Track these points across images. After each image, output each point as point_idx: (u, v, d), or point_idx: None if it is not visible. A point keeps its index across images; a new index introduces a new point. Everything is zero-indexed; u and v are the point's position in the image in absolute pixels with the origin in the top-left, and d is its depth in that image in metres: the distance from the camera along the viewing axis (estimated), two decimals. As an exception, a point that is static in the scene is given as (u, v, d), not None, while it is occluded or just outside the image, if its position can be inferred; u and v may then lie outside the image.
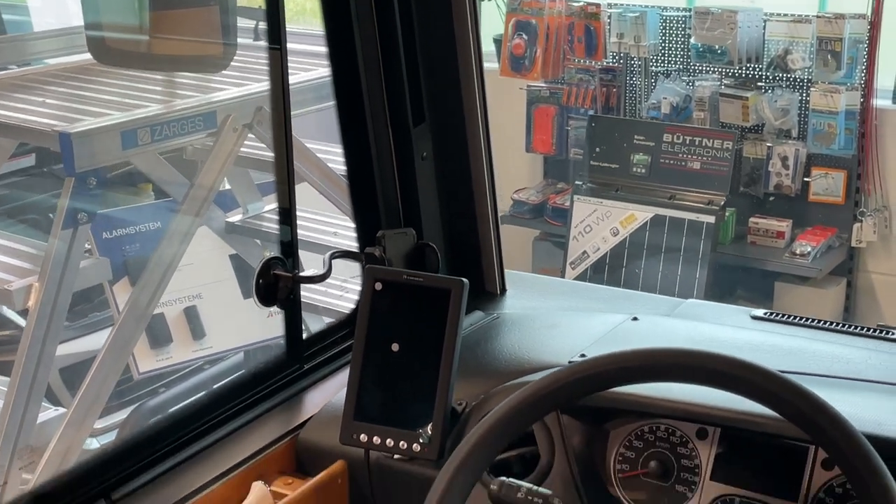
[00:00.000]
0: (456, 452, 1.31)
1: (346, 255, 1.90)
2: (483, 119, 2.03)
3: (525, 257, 5.12)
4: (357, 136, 1.94)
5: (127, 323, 3.26)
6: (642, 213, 4.69)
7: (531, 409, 1.33)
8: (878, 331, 1.91)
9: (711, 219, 4.58)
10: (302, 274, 1.85)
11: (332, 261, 1.82)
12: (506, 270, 2.22)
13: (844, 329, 1.92)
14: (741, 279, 4.67)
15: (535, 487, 1.40)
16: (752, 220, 4.75)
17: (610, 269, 4.73)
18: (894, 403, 1.56)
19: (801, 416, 1.23)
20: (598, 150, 4.82)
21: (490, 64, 5.18)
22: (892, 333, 1.89)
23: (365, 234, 1.98)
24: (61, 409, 3.35)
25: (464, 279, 1.63)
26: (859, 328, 1.92)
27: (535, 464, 1.61)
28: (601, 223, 4.76)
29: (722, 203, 4.61)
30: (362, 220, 2.00)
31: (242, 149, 3.41)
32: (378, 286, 1.64)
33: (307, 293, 2.69)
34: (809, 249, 4.56)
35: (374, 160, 1.95)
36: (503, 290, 2.19)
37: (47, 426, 3.20)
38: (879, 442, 1.22)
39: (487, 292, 2.18)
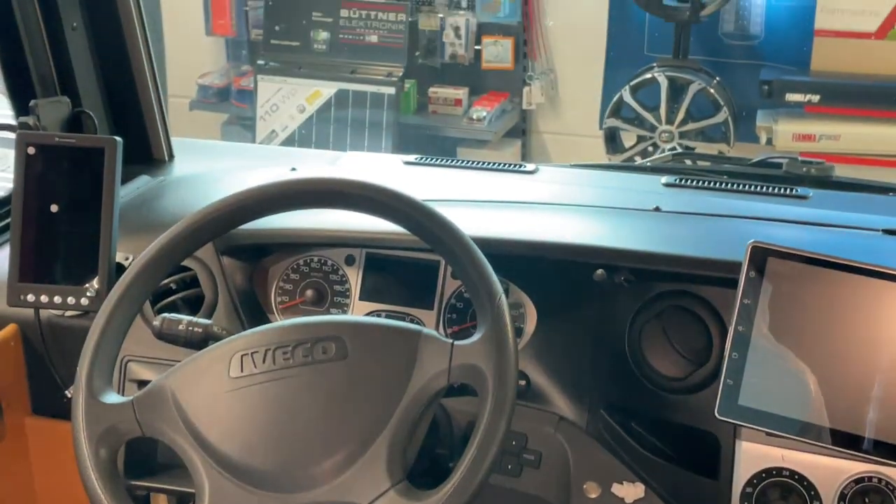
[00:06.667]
0: (113, 290, 1.39)
1: (-1, 127, 1.92)
2: (132, -13, 2.07)
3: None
4: (1, 9, 1.94)
5: None
6: (326, 89, 4.80)
7: (180, 244, 1.42)
8: (509, 165, 2.11)
9: (392, 90, 4.75)
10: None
11: (-15, 134, 1.84)
12: (173, 138, 2.28)
13: (483, 166, 2.11)
14: (425, 146, 4.87)
15: (196, 319, 1.50)
16: (431, 90, 4.95)
17: (300, 145, 4.84)
18: (508, 215, 1.76)
19: (419, 226, 1.38)
20: (277, 28, 4.88)
21: (162, -53, 5.13)
22: (523, 167, 2.10)
23: (20, 106, 2.00)
24: None
25: (116, 137, 1.69)
26: (495, 164, 2.11)
27: (202, 305, 1.72)
28: (287, 101, 4.84)
29: (400, 74, 4.78)
30: (15, 92, 2.01)
31: None
32: (31, 150, 1.68)
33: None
34: (485, 114, 4.81)
35: (22, 32, 1.96)
36: (171, 156, 2.26)
37: None
38: (486, 243, 1.38)
39: (155, 159, 2.24)
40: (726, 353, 1.36)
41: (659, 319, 1.55)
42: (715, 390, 1.37)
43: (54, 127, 1.91)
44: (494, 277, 1.34)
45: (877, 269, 1.34)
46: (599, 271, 1.54)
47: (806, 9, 4.49)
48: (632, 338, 1.57)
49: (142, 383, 1.67)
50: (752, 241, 1.37)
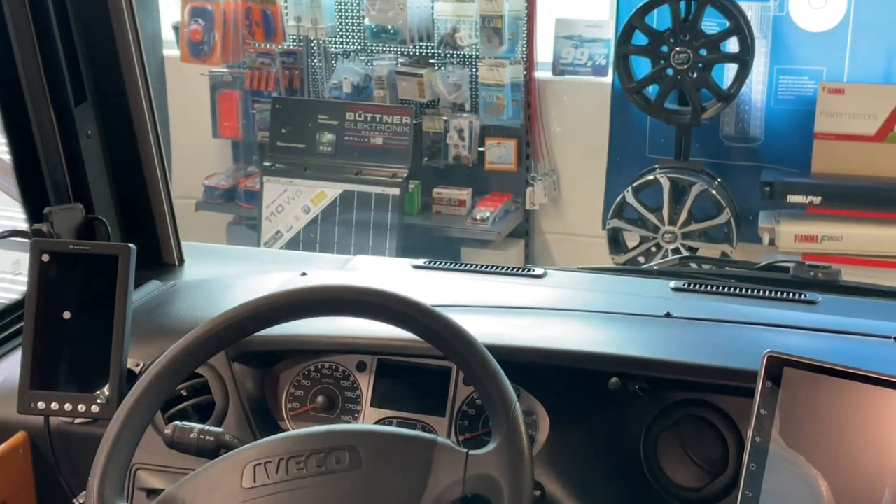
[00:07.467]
0: (126, 400, 1.38)
1: (13, 233, 1.93)
2: (146, 95, 2.10)
3: (220, 242, 5.17)
4: (18, 117, 1.97)
5: None
6: (331, 190, 4.84)
7: (193, 353, 1.42)
8: (519, 269, 2.12)
9: (396, 191, 4.79)
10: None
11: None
12: (184, 242, 2.30)
13: (492, 270, 2.12)
14: (429, 247, 4.89)
15: (207, 427, 1.50)
16: (435, 190, 4.99)
17: (304, 246, 4.86)
18: (518, 321, 1.77)
19: (431, 333, 1.38)
20: (283, 131, 4.93)
21: (171, 51, 5.20)
22: (532, 271, 2.10)
23: (34, 212, 2.01)
24: None
25: (130, 245, 1.70)
26: (504, 268, 2.12)
27: (213, 412, 1.71)
28: (292, 202, 4.88)
29: (405, 176, 4.82)
30: (30, 199, 2.03)
31: None
32: (45, 258, 1.69)
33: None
34: (489, 215, 4.84)
35: (37, 140, 1.98)
36: (181, 260, 2.27)
37: None
38: (498, 350, 1.39)
39: (166, 264, 2.25)
40: (744, 465, 1.35)
41: (674, 428, 1.55)
42: (732, 501, 1.36)
43: (67, 233, 1.92)
44: (509, 386, 1.34)
45: (893, 379, 1.33)
46: (614, 379, 1.54)
47: (805, 112, 4.55)
48: (647, 447, 1.57)
49: (151, 492, 1.66)
50: (767, 350, 1.37)
